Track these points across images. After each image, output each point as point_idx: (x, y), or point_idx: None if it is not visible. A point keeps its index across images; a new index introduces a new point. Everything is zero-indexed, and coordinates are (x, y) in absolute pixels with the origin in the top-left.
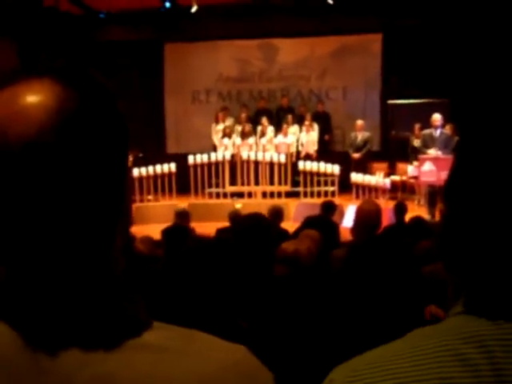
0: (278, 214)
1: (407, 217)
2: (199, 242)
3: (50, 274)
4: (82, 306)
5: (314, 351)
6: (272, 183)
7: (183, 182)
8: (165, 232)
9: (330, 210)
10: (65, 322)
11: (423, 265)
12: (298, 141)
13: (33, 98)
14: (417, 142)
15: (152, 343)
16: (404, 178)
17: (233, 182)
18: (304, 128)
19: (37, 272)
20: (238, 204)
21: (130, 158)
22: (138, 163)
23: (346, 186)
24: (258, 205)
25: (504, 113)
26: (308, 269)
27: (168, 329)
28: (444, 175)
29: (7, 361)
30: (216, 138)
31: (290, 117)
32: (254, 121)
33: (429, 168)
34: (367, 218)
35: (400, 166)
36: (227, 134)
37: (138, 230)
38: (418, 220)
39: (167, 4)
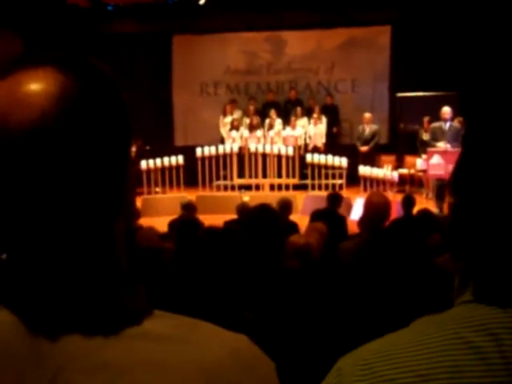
0: (286, 206)
1: (415, 210)
2: (210, 233)
3: (51, 260)
4: (82, 292)
5: (322, 343)
6: (280, 176)
7: (191, 174)
8: (173, 224)
9: (336, 202)
10: (65, 307)
11: (434, 257)
12: (305, 133)
13: (35, 85)
14: (426, 136)
15: (152, 331)
16: (412, 171)
17: (241, 175)
18: (312, 121)
19: (38, 258)
20: (246, 197)
21: (134, 149)
22: (146, 155)
23: (353, 179)
24: (266, 197)
25: (509, 104)
26: (317, 261)
27: (169, 317)
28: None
29: (8, 345)
30: (224, 131)
31: (298, 109)
32: (262, 113)
33: (437, 161)
34: (376, 211)
35: (408, 159)
36: (235, 126)
37: (145, 222)
38: (425, 213)
39: None
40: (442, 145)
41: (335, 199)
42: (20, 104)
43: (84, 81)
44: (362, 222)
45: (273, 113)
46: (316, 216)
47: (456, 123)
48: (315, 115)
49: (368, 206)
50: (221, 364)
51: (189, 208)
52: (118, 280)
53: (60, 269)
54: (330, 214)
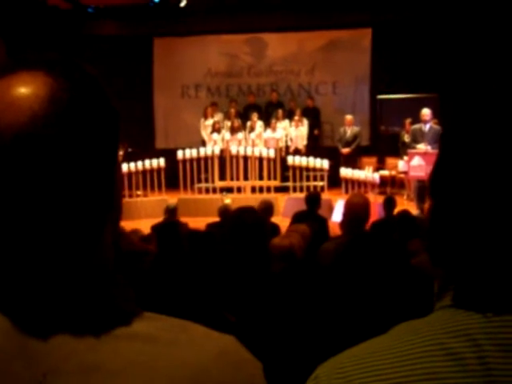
0: (268, 208)
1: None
2: (192, 236)
3: (41, 261)
4: (72, 292)
5: (304, 345)
6: (261, 178)
7: (172, 177)
8: (156, 227)
9: (314, 203)
10: (54, 307)
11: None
12: (287, 136)
13: (25, 89)
14: (407, 137)
15: (142, 333)
16: (393, 172)
17: (222, 177)
18: (293, 123)
19: (27, 260)
20: (228, 199)
21: (121, 152)
22: (127, 158)
23: (335, 181)
24: (248, 200)
25: (486, 105)
26: (300, 263)
27: (158, 319)
28: None
29: None
30: (205, 133)
31: (280, 111)
32: (244, 116)
33: (418, 163)
34: (356, 212)
35: (389, 160)
36: (216, 129)
37: (127, 225)
38: (404, 214)
39: None
40: (422, 146)
41: (313, 200)
42: (10, 107)
43: (74, 84)
44: (342, 223)
45: (254, 115)
46: (297, 218)
47: (434, 124)
48: (296, 117)
49: (348, 208)
50: (209, 365)
51: (173, 212)
52: (108, 281)
53: (49, 270)
54: (311, 215)
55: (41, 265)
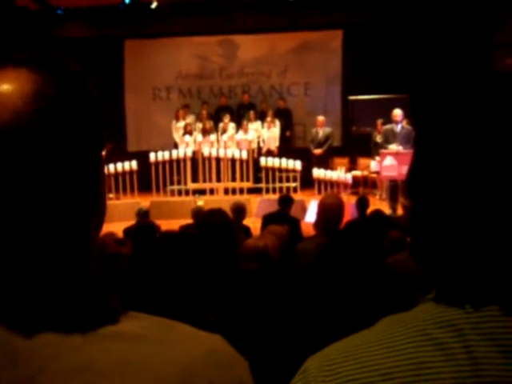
0: (240, 210)
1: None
2: (167, 238)
3: (26, 259)
4: (58, 290)
5: (284, 343)
6: (234, 180)
7: (145, 179)
8: (129, 230)
9: (286, 204)
10: (40, 305)
11: (388, 256)
12: (259, 137)
13: (8, 85)
14: (379, 138)
15: (128, 332)
16: (365, 173)
17: (194, 179)
18: (265, 124)
19: (11, 258)
20: (200, 201)
21: (104, 153)
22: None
23: (307, 182)
24: (220, 201)
25: (459, 104)
26: (275, 263)
27: (143, 318)
28: (405, 170)
29: None
30: (177, 136)
31: (251, 113)
32: (215, 117)
33: (390, 163)
34: (330, 212)
35: (361, 161)
36: (188, 131)
37: None
38: (377, 213)
39: (127, 0)
40: (394, 147)
41: (286, 202)
42: None
43: (59, 81)
44: (317, 224)
45: (226, 117)
46: (268, 219)
47: (406, 125)
48: (268, 119)
49: (322, 208)
50: (197, 364)
51: (145, 215)
52: (93, 280)
53: (35, 268)
54: (282, 216)
55: (26, 263)
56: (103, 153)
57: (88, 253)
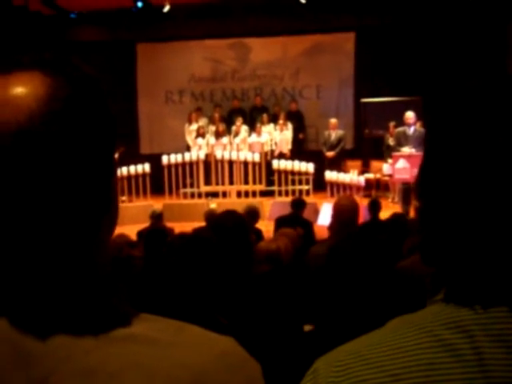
0: (253, 213)
1: (385, 214)
2: (181, 239)
3: (39, 261)
4: (70, 292)
5: (295, 345)
6: (246, 182)
7: (157, 182)
8: (142, 233)
9: (299, 207)
10: (53, 308)
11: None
12: (271, 140)
13: (22, 87)
14: (391, 140)
15: (140, 334)
16: (378, 175)
17: (207, 182)
18: (278, 127)
19: (25, 260)
20: (213, 204)
21: (116, 155)
22: (120, 162)
23: (320, 185)
24: (233, 204)
25: (469, 104)
26: (287, 266)
27: (156, 320)
28: None
29: None
30: (190, 138)
31: (264, 116)
32: (228, 120)
33: (402, 165)
34: (345, 214)
35: (374, 163)
36: (201, 134)
37: None
38: (396, 216)
39: (139, 4)
40: (406, 149)
41: (298, 204)
42: (7, 105)
43: (72, 83)
44: (331, 226)
45: (238, 120)
46: (280, 222)
47: (419, 127)
48: (281, 121)
49: (337, 210)
50: (209, 367)
51: (158, 218)
52: (105, 282)
53: (47, 270)
54: (295, 219)
55: (38, 265)
56: (116, 155)
57: (100, 255)
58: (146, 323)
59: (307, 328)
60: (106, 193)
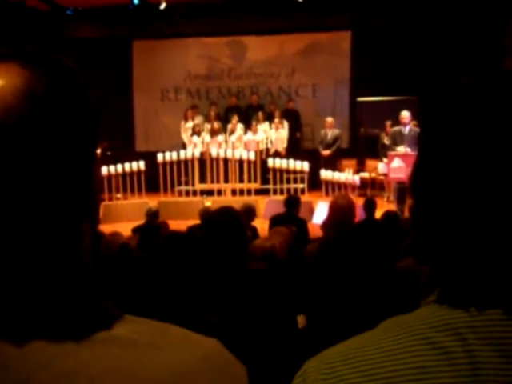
0: (250, 212)
1: (380, 214)
2: (173, 237)
3: (15, 262)
4: (49, 295)
5: (287, 345)
6: (241, 181)
7: (152, 179)
8: (137, 230)
9: (293, 206)
10: (31, 312)
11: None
12: (267, 138)
13: None
14: (387, 140)
15: (122, 336)
16: (373, 174)
17: (202, 180)
18: (273, 125)
19: (1, 261)
20: (208, 202)
21: (98, 151)
22: (107, 161)
23: (315, 183)
24: (228, 202)
25: (465, 102)
26: (282, 264)
27: (139, 322)
28: None
29: None
30: (185, 136)
31: (260, 114)
32: (224, 118)
33: (398, 165)
34: (341, 213)
35: (369, 162)
36: (196, 131)
37: (107, 229)
38: (389, 215)
39: (135, 1)
40: (402, 149)
41: (293, 202)
42: None
43: (51, 77)
44: (326, 224)
45: (234, 118)
46: (275, 220)
47: (413, 126)
48: (276, 120)
49: (333, 209)
50: (192, 369)
51: (154, 216)
52: (87, 283)
53: (25, 272)
54: (290, 217)
55: (15, 267)
56: (98, 151)
57: (81, 254)
58: (128, 325)
59: (300, 319)
60: (85, 189)
